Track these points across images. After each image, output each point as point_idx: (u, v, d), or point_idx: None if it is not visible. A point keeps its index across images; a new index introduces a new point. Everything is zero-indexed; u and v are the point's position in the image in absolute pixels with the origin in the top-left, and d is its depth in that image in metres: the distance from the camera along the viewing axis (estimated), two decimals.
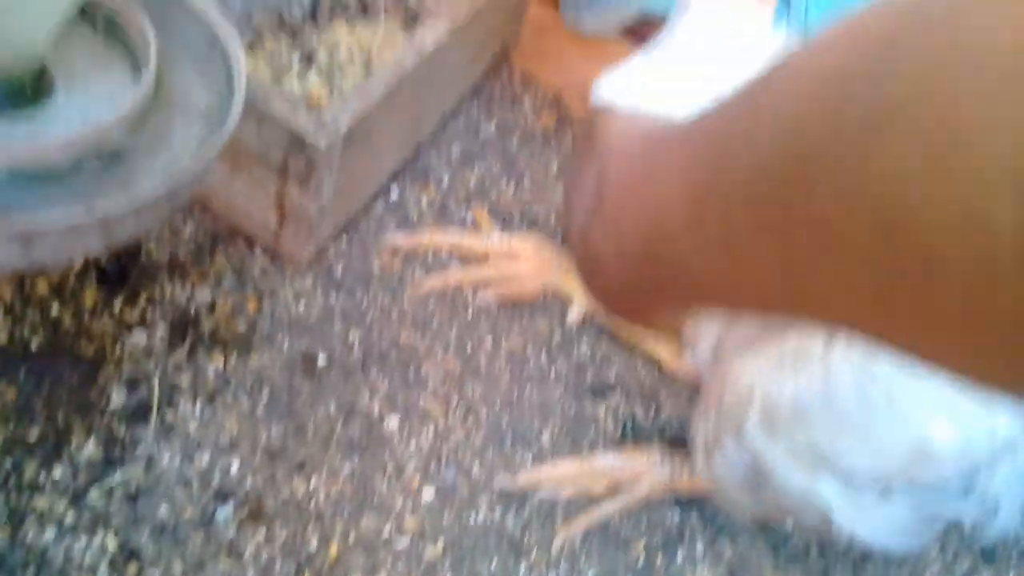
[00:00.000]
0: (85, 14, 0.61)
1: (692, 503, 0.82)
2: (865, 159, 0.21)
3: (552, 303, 0.92)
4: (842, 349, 0.65)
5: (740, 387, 0.69)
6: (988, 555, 0.87)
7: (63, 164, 0.55)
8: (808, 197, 0.23)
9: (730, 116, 0.29)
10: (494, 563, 0.76)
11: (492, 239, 0.92)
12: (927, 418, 0.63)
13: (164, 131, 0.61)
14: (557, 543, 0.78)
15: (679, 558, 0.79)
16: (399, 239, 0.91)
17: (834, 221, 0.22)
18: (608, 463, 0.82)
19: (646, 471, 0.80)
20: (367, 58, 0.98)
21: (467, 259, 0.92)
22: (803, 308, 0.26)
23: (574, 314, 0.90)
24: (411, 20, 1.03)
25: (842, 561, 0.83)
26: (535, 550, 0.78)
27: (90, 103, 0.60)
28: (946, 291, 0.19)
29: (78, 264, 0.81)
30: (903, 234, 0.20)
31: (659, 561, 0.78)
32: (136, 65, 0.62)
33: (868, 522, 0.70)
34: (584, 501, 0.81)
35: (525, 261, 0.91)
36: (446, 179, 0.97)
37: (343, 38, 0.98)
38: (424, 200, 0.95)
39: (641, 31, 0.98)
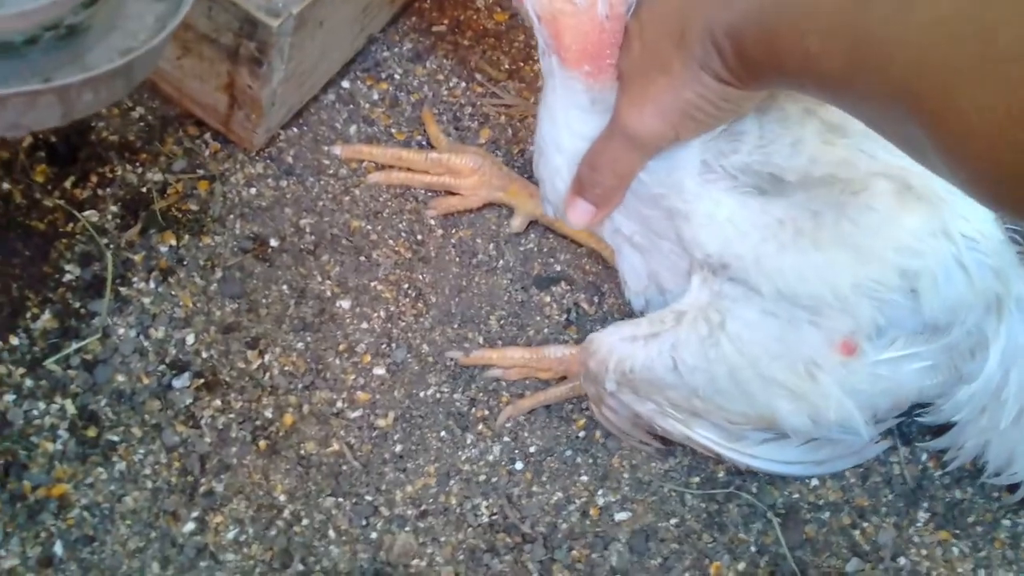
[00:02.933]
0: None
1: None
2: None
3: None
4: (689, 324, 0.67)
5: (599, 357, 0.72)
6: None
7: (19, 37, 0.56)
8: None
9: None
10: (442, 434, 0.80)
11: (432, 155, 0.93)
12: (771, 398, 0.67)
13: (119, 11, 0.62)
14: (502, 418, 0.82)
15: None
16: (339, 149, 0.92)
17: None
18: (556, 354, 0.85)
19: None
20: None
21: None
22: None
23: (516, 223, 0.93)
24: None
25: None
26: (481, 424, 0.82)
27: None
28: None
29: (27, 141, 0.80)
30: None
31: (598, 435, 0.83)
32: None
33: (756, 457, 0.75)
34: (528, 383, 0.85)
35: (466, 176, 0.92)
36: (398, 73, 0.98)
37: None
38: (375, 93, 0.96)
39: None
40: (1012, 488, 0.79)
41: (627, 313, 0.90)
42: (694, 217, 0.64)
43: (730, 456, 0.75)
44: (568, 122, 0.65)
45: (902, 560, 0.79)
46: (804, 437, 0.73)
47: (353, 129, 0.93)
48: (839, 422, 0.67)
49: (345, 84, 0.96)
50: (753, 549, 0.79)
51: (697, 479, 0.82)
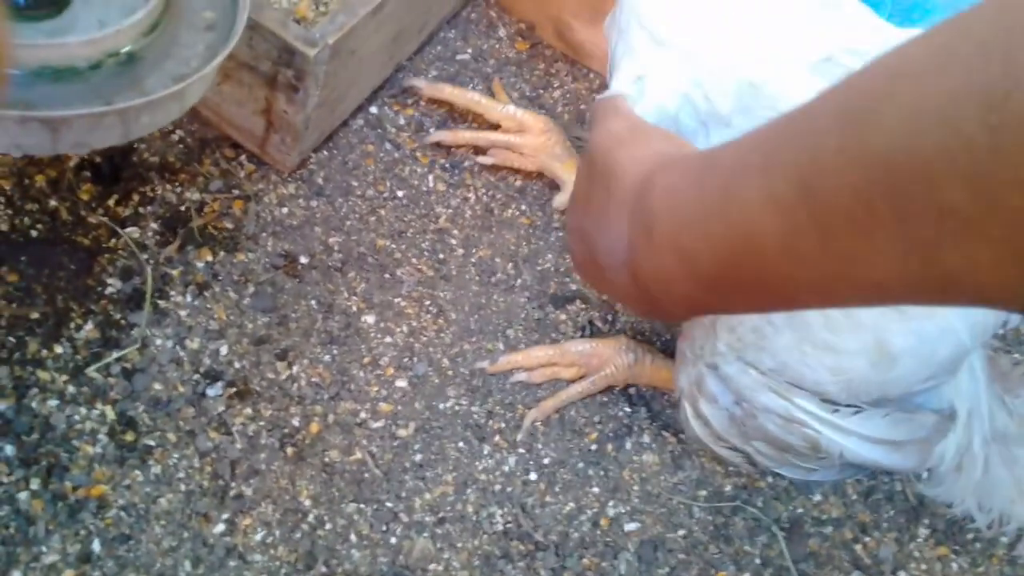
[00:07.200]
0: None
1: (641, 400, 0.90)
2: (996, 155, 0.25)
3: (518, 220, 0.98)
4: None
5: (704, 320, 0.73)
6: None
7: (84, 63, 0.61)
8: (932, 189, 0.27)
9: (815, 133, 0.32)
10: (460, 444, 0.84)
11: (507, 108, 0.98)
12: (883, 323, 0.68)
13: (173, 40, 0.67)
14: (527, 421, 0.85)
15: (628, 446, 0.87)
16: (423, 85, 0.98)
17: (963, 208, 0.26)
18: (579, 348, 0.89)
19: (612, 355, 0.88)
20: None
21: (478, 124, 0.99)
22: (918, 290, 0.30)
23: (561, 199, 0.97)
24: None
25: None
26: (497, 435, 0.85)
27: (106, 11, 0.65)
28: None
29: (73, 161, 0.85)
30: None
31: (610, 448, 0.87)
32: None
33: (849, 437, 0.75)
34: (541, 395, 0.88)
35: (532, 136, 0.97)
36: (423, 99, 1.03)
37: None
38: (401, 118, 1.01)
39: None
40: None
41: (639, 331, 0.94)
42: None
43: (826, 435, 0.75)
44: None
45: (902, 574, 0.81)
46: (907, 370, 0.73)
47: (380, 152, 0.98)
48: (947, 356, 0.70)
49: (373, 109, 1.00)
50: (758, 561, 0.82)
51: (704, 492, 0.85)
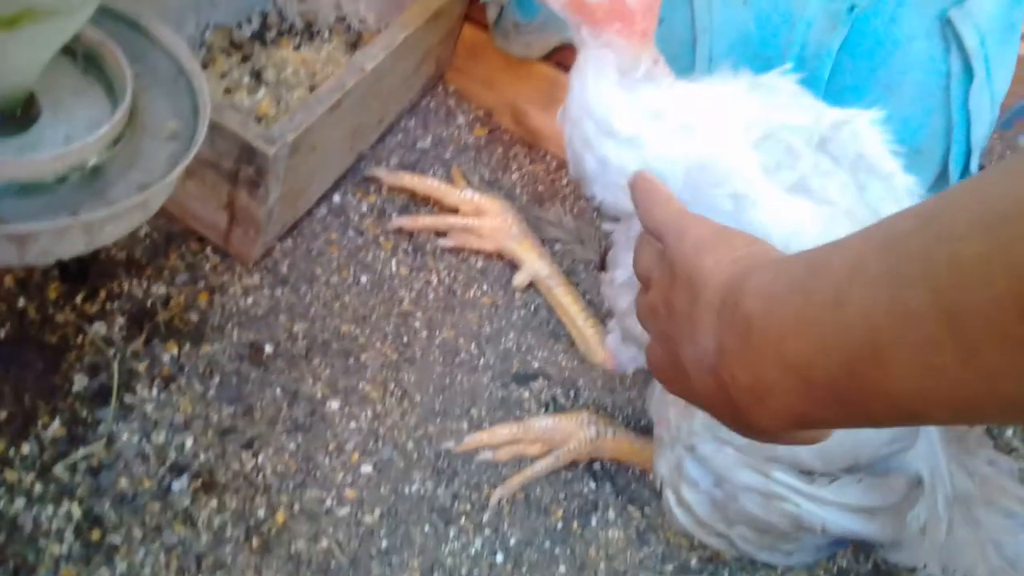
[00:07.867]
0: (67, 48, 0.69)
1: (606, 475, 0.92)
2: None
3: (480, 300, 1.01)
4: None
5: (680, 401, 0.76)
6: None
7: (50, 177, 0.63)
8: None
9: (951, 240, 0.30)
10: (426, 528, 0.85)
11: (464, 193, 1.02)
12: None
13: (137, 150, 0.70)
14: (494, 499, 0.87)
15: (593, 522, 0.88)
16: (383, 174, 1.02)
17: None
18: (542, 424, 0.91)
19: (575, 430, 0.90)
20: (312, 76, 1.06)
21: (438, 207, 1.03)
22: None
23: (520, 278, 1.01)
24: (353, 43, 1.12)
25: None
26: (463, 518, 0.86)
27: (72, 126, 0.68)
28: None
29: None
30: None
31: (575, 526, 0.88)
32: (112, 92, 0.70)
33: (827, 507, 0.77)
34: (506, 474, 0.90)
35: (490, 218, 1.01)
36: (385, 187, 1.06)
37: (290, 58, 1.06)
38: (364, 205, 1.04)
39: (563, 56, 1.08)
40: None
41: (601, 407, 0.95)
42: (761, 203, 0.68)
43: (805, 507, 0.76)
44: (599, 91, 0.72)
45: None
46: (872, 447, 0.74)
47: (344, 240, 1.00)
48: None
49: (336, 198, 1.03)
50: None
51: (671, 567, 0.86)
